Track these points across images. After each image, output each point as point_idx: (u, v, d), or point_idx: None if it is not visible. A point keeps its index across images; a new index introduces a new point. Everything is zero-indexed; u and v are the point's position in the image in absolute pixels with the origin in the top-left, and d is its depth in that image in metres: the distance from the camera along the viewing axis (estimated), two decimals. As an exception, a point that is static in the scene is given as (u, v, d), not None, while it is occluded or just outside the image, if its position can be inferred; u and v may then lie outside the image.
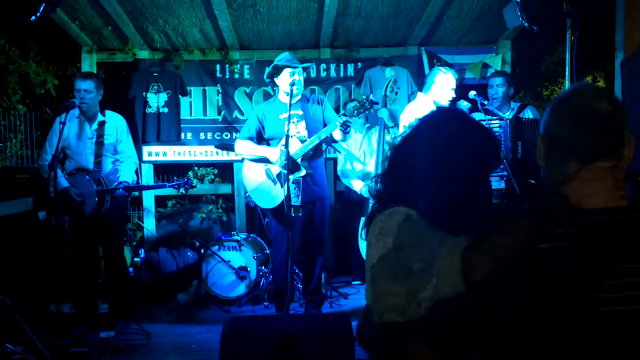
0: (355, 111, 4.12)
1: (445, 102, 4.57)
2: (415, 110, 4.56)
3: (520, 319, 1.30)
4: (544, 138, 1.42)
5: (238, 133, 6.10)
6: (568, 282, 1.28)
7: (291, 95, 4.13)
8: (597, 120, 1.34)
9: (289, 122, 4.05)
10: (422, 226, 1.50)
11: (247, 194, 4.72)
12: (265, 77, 4.48)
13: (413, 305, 1.45)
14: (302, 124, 4.32)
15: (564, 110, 1.39)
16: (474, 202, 1.62)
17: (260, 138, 4.45)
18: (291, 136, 4.07)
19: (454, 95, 4.60)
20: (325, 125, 4.30)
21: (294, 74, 4.25)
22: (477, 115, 4.67)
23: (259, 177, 4.38)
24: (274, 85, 4.45)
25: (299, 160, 4.20)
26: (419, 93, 4.70)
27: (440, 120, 1.68)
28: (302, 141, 4.23)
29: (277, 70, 4.33)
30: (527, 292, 1.29)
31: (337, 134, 4.19)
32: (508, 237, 1.34)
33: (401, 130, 4.66)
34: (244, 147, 4.43)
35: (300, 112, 4.33)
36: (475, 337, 1.34)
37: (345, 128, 4.10)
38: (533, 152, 1.62)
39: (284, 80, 4.31)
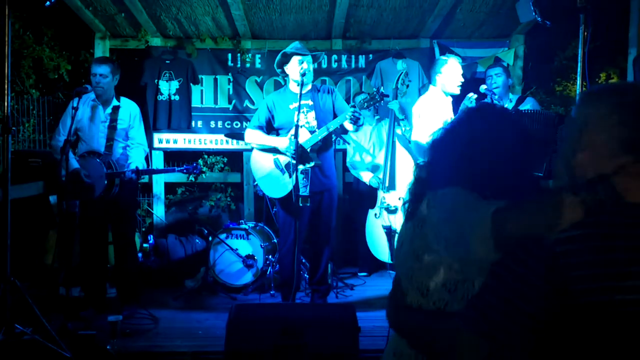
0: (365, 103, 4.12)
1: (455, 89, 4.54)
2: (427, 102, 4.55)
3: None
4: (592, 129, 1.42)
5: (248, 122, 6.13)
6: (587, 272, 1.30)
7: (301, 84, 4.14)
8: None
9: (299, 112, 4.06)
10: (465, 199, 1.54)
11: (255, 183, 4.75)
12: (275, 65, 4.49)
13: (467, 283, 1.53)
14: (312, 114, 4.33)
15: (626, 103, 1.40)
16: (519, 187, 1.65)
17: (269, 127, 4.47)
18: (301, 126, 4.09)
19: (462, 80, 4.57)
20: (335, 116, 4.31)
21: (302, 62, 4.26)
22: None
23: (268, 166, 4.40)
24: (285, 74, 4.46)
25: (308, 150, 4.21)
26: (430, 85, 4.68)
27: (485, 114, 1.75)
28: (312, 131, 4.24)
29: (286, 59, 4.34)
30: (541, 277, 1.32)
31: (349, 125, 4.20)
32: (547, 206, 1.36)
33: (415, 121, 4.65)
34: (254, 136, 4.45)
35: (310, 102, 4.34)
36: (515, 319, 1.35)
37: (355, 120, 4.10)
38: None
39: (293, 69, 4.31)
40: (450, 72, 4.52)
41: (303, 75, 4.18)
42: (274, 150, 4.37)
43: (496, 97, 4.68)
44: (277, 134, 4.45)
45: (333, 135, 4.55)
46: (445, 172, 1.68)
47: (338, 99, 4.45)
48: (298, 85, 4.18)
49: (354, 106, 4.07)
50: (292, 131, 4.12)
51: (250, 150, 5.79)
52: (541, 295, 1.33)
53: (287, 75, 4.44)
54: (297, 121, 4.01)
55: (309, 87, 4.37)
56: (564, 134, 1.52)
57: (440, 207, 1.59)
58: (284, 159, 4.34)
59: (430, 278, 1.60)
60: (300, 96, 4.10)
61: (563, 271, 1.32)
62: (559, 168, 1.50)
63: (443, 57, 4.67)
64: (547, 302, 1.33)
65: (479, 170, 1.64)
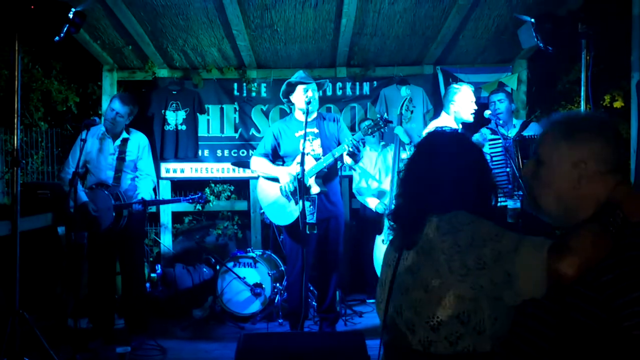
0: (370, 130, 4.15)
1: (468, 116, 4.53)
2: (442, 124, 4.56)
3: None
4: (589, 161, 1.48)
5: (254, 150, 6.17)
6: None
7: (307, 112, 4.17)
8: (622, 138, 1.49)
9: (305, 139, 4.09)
10: (484, 226, 1.58)
11: (262, 211, 4.76)
12: (280, 95, 4.54)
13: (479, 311, 1.53)
14: (318, 141, 4.36)
15: (612, 134, 1.48)
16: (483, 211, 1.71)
17: (275, 155, 4.50)
18: (306, 154, 4.11)
19: (475, 108, 4.57)
20: (339, 144, 4.34)
21: (307, 90, 4.31)
22: (488, 134, 4.68)
23: (274, 193, 4.42)
24: (290, 103, 4.51)
25: (313, 178, 4.23)
26: (442, 112, 4.70)
27: (441, 136, 1.88)
28: (317, 159, 4.27)
29: (291, 88, 4.39)
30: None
31: (347, 158, 4.22)
32: (592, 242, 1.40)
33: None
34: (259, 165, 4.48)
35: (315, 130, 4.37)
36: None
37: (352, 154, 4.11)
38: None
39: (298, 97, 4.36)
40: (463, 100, 4.53)
41: (308, 103, 4.22)
42: (277, 180, 4.38)
43: (500, 122, 4.70)
44: (283, 162, 4.48)
45: (339, 162, 4.57)
46: (444, 196, 1.70)
47: (342, 128, 4.49)
48: (304, 113, 4.21)
49: (353, 140, 4.07)
50: (298, 159, 4.13)
51: (257, 178, 5.82)
52: (596, 321, 1.36)
53: (292, 104, 4.49)
54: (304, 149, 4.04)
55: (315, 115, 4.40)
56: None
57: (454, 233, 1.59)
58: (288, 187, 4.35)
59: (443, 309, 1.56)
60: (306, 124, 4.13)
61: (611, 298, 1.35)
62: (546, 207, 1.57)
63: (456, 86, 4.66)
64: (601, 326, 1.36)
65: (472, 191, 1.69)
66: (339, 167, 4.67)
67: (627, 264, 1.35)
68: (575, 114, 1.58)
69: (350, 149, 4.06)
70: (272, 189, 4.43)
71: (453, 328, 1.55)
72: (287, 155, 4.43)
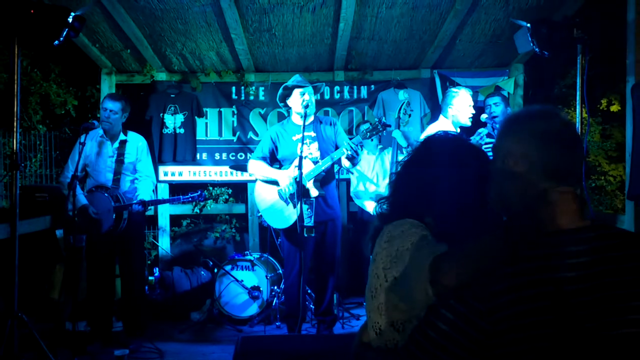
0: (368, 133, 4.17)
1: (466, 120, 4.57)
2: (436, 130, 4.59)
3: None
4: (517, 161, 1.42)
5: (252, 154, 6.19)
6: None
7: (304, 116, 4.19)
8: (570, 141, 1.40)
9: (302, 143, 4.11)
10: (410, 235, 1.55)
11: (260, 214, 4.78)
12: (277, 99, 4.56)
13: (414, 320, 1.49)
14: (315, 145, 4.39)
15: (547, 134, 1.40)
16: (480, 217, 1.65)
17: (273, 159, 4.52)
18: (304, 157, 4.14)
19: (473, 112, 4.61)
20: (337, 148, 4.36)
21: (304, 94, 4.33)
22: (485, 136, 4.70)
23: (272, 197, 4.43)
24: (288, 107, 4.53)
25: (311, 181, 4.25)
26: (440, 116, 4.73)
27: (442, 141, 1.78)
28: (315, 162, 4.29)
29: (288, 92, 4.42)
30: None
31: (345, 161, 4.24)
32: (477, 250, 1.36)
33: None
34: (256, 168, 4.49)
35: (313, 134, 4.40)
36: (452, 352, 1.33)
37: (351, 157, 4.13)
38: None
39: (295, 101, 4.38)
40: (461, 104, 4.57)
41: (306, 107, 4.24)
42: (276, 183, 4.41)
43: (497, 125, 4.73)
44: (280, 166, 4.50)
45: (336, 166, 4.59)
46: (400, 205, 1.70)
47: (339, 132, 4.52)
48: (301, 117, 4.24)
49: (351, 139, 4.10)
50: (296, 162, 4.16)
51: (255, 181, 5.83)
52: (479, 331, 1.31)
53: (290, 108, 4.51)
54: (301, 152, 4.07)
55: (312, 118, 4.42)
56: (491, 166, 1.52)
57: (388, 243, 1.58)
58: (287, 190, 4.37)
59: (381, 317, 1.58)
60: (304, 127, 4.16)
61: (494, 313, 1.30)
62: (492, 200, 1.50)
63: (454, 90, 4.70)
64: (484, 338, 1.31)
65: (434, 198, 1.64)
66: (336, 170, 4.70)
67: (518, 275, 1.32)
68: (524, 110, 1.53)
69: (349, 153, 4.09)
70: (270, 193, 4.45)
71: (390, 335, 1.56)
72: (284, 159, 4.45)
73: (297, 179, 4.03)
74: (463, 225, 1.62)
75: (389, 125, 4.37)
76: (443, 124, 4.60)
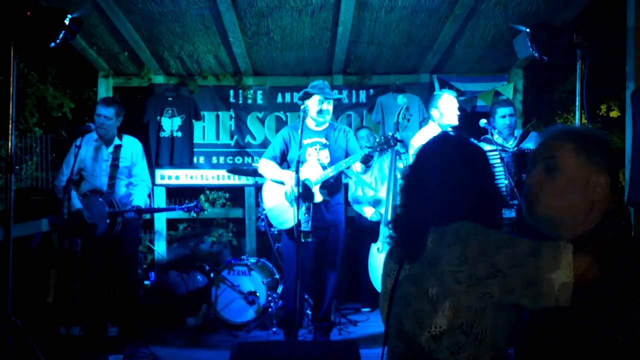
0: (379, 147, 4.13)
1: (452, 120, 4.60)
2: (424, 136, 4.58)
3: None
4: (603, 174, 1.55)
5: (250, 157, 6.17)
6: None
7: (303, 120, 4.18)
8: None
9: (301, 146, 4.13)
10: (493, 235, 1.57)
11: (264, 212, 4.76)
12: (297, 98, 4.53)
13: (482, 321, 1.54)
14: (325, 152, 4.39)
15: (610, 149, 1.58)
16: (498, 208, 1.77)
17: (283, 159, 4.50)
18: (303, 161, 4.15)
19: (457, 113, 4.64)
20: (346, 155, 4.38)
21: (322, 103, 4.33)
22: (486, 146, 4.68)
23: (278, 197, 4.42)
24: (305, 107, 4.44)
25: (318, 187, 4.25)
26: (429, 120, 4.73)
27: (458, 142, 1.81)
28: (324, 167, 4.29)
29: (308, 95, 4.39)
30: None
31: (358, 166, 4.24)
32: (608, 245, 1.50)
33: (411, 153, 4.69)
34: (266, 167, 4.48)
35: (324, 141, 4.40)
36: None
37: (366, 160, 4.14)
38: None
39: (312, 105, 4.36)
40: (444, 106, 4.58)
41: (319, 113, 4.31)
42: (282, 184, 4.39)
43: (496, 130, 4.71)
44: (289, 166, 4.49)
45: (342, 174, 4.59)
46: (445, 206, 1.68)
47: (351, 140, 4.51)
48: (315, 121, 4.28)
49: (370, 149, 4.09)
50: (305, 166, 4.23)
51: (252, 185, 5.80)
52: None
53: (306, 109, 4.44)
54: (299, 156, 4.06)
55: (326, 125, 4.43)
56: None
57: (462, 244, 1.57)
58: (293, 192, 4.35)
59: (446, 319, 1.55)
60: (302, 132, 4.17)
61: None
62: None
63: (437, 93, 4.79)
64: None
65: (477, 200, 1.66)
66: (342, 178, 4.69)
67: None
68: (583, 128, 1.71)
69: (361, 161, 4.12)
70: (277, 193, 4.44)
71: (455, 338, 1.54)
72: (293, 160, 4.44)
73: (295, 184, 4.02)
74: (493, 219, 1.70)
75: (401, 141, 4.37)
76: (431, 128, 4.63)
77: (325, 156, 4.39)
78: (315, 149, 4.35)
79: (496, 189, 1.76)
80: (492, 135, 4.62)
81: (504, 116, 4.76)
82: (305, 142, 4.38)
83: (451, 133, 1.86)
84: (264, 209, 4.73)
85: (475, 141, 1.87)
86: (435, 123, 4.64)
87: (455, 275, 1.54)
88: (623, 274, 1.43)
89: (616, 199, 1.55)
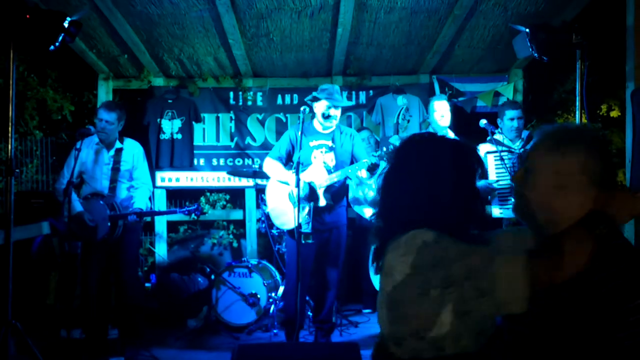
0: (387, 156, 4.13)
1: (444, 122, 4.84)
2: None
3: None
4: (574, 172, 1.51)
5: (250, 159, 6.17)
6: None
7: (302, 121, 4.19)
8: (609, 151, 1.53)
9: (300, 149, 4.14)
10: (448, 245, 1.54)
11: (266, 212, 4.76)
12: (306, 99, 4.54)
13: (437, 326, 1.51)
14: (331, 155, 4.40)
15: (598, 147, 1.52)
16: (475, 209, 1.70)
17: (289, 159, 4.51)
18: (303, 164, 4.15)
19: (443, 115, 4.85)
20: (352, 159, 4.42)
21: (330, 108, 4.34)
22: (487, 146, 4.68)
23: (282, 197, 4.43)
24: (312, 109, 4.45)
25: (322, 189, 4.26)
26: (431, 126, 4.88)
27: (420, 145, 1.75)
28: (329, 171, 4.29)
29: (316, 99, 4.39)
30: None
31: (363, 172, 4.25)
32: (572, 251, 1.44)
33: None
34: (271, 167, 4.49)
35: (330, 144, 4.41)
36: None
37: (373, 169, 4.18)
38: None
39: (320, 110, 4.37)
40: (436, 111, 4.88)
41: (326, 117, 4.34)
42: (287, 184, 4.39)
43: (498, 130, 4.73)
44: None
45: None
46: (400, 216, 1.67)
47: (357, 144, 4.50)
48: (321, 124, 4.33)
49: (377, 158, 4.12)
50: (307, 171, 4.25)
51: (253, 187, 5.80)
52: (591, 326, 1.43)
53: (306, 109, 4.44)
54: (298, 158, 4.06)
55: (332, 128, 4.44)
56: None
57: (413, 254, 1.55)
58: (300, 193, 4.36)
59: (403, 326, 1.57)
60: (301, 134, 4.18)
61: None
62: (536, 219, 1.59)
63: (434, 98, 5.09)
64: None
65: (446, 203, 1.63)
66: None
67: (629, 271, 1.44)
68: (566, 125, 1.60)
69: (367, 169, 4.17)
70: (281, 193, 4.44)
71: (413, 344, 1.55)
72: (299, 162, 4.43)
73: (296, 185, 4.02)
74: (461, 225, 1.64)
75: None
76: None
77: (330, 159, 4.40)
78: (321, 152, 4.36)
79: (470, 190, 1.68)
80: (492, 135, 4.63)
81: (512, 119, 4.77)
82: (311, 144, 4.39)
83: (424, 136, 1.80)
84: (266, 209, 4.73)
85: (466, 140, 1.83)
86: (433, 127, 4.82)
87: (407, 284, 1.54)
88: (596, 278, 1.44)
89: (600, 196, 1.51)
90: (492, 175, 4.64)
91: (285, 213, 4.40)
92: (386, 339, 1.63)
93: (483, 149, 4.65)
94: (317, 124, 4.45)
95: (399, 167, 1.73)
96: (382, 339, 1.67)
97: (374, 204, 1.72)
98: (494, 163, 4.62)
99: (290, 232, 4.39)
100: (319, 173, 4.29)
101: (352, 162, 4.42)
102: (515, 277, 1.42)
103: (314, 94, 4.40)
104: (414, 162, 1.69)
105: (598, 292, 1.43)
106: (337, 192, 4.42)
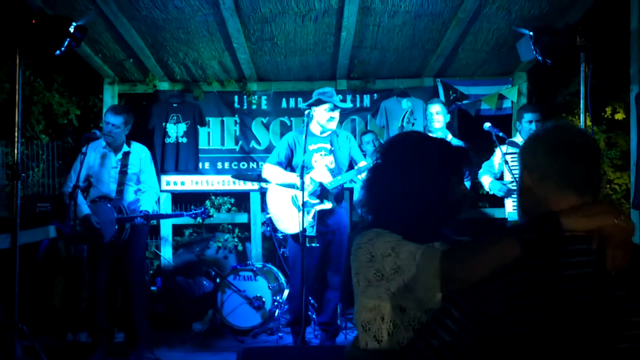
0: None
1: (435, 125, 4.92)
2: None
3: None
4: (534, 172, 1.50)
5: (255, 163, 6.18)
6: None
7: (307, 125, 4.21)
8: (582, 151, 1.46)
9: (305, 151, 4.18)
10: (392, 239, 1.61)
11: (268, 217, 4.77)
12: (303, 104, 4.57)
13: (377, 319, 1.60)
14: (330, 157, 4.44)
15: (558, 144, 1.47)
16: (449, 209, 1.72)
17: (288, 164, 4.52)
18: (307, 167, 4.18)
19: (433, 119, 4.98)
20: (350, 162, 4.50)
21: (332, 111, 4.38)
22: (505, 148, 4.71)
23: (284, 202, 4.45)
24: (310, 114, 4.46)
25: (334, 193, 4.33)
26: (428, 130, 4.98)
27: (397, 143, 1.81)
28: (332, 173, 4.35)
29: (318, 102, 4.41)
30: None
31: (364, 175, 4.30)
32: (487, 250, 1.40)
33: None
34: (272, 172, 4.49)
35: (328, 146, 4.44)
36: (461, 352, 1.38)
37: None
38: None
39: (321, 113, 4.39)
40: (431, 114, 5.01)
41: (328, 121, 4.37)
42: (292, 187, 4.40)
43: (500, 134, 4.73)
44: (293, 171, 4.50)
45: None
46: (369, 212, 1.79)
47: (354, 147, 4.58)
48: (321, 129, 4.34)
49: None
50: (313, 172, 4.30)
51: (257, 190, 5.80)
52: (483, 333, 1.37)
53: (312, 115, 4.47)
54: (303, 161, 4.08)
55: (329, 131, 4.45)
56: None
57: (357, 251, 1.68)
58: (301, 197, 4.37)
59: (355, 317, 1.71)
60: (305, 136, 4.22)
61: (499, 315, 1.35)
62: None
63: (429, 103, 5.19)
64: (486, 339, 1.36)
65: (402, 203, 1.68)
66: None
67: (531, 284, 1.35)
68: (547, 125, 1.59)
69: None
70: (283, 197, 4.46)
71: (360, 335, 1.68)
72: (298, 165, 4.45)
73: (300, 189, 4.04)
74: (426, 224, 1.69)
75: None
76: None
77: (330, 161, 4.42)
78: (321, 155, 4.39)
79: (435, 192, 1.68)
80: (494, 136, 4.67)
81: (530, 121, 4.79)
82: (310, 147, 4.40)
83: (403, 135, 1.90)
84: (268, 214, 4.75)
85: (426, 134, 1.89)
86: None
87: (357, 278, 1.68)
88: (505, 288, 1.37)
89: (564, 199, 1.45)
90: (508, 176, 4.68)
91: (287, 217, 4.41)
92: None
93: (501, 151, 4.73)
94: (315, 127, 4.47)
95: (378, 165, 1.80)
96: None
97: (359, 203, 1.78)
98: (511, 165, 4.65)
99: (294, 237, 4.40)
100: (324, 175, 4.31)
101: (350, 164, 4.49)
102: (429, 272, 1.43)
103: (316, 97, 4.41)
104: (390, 160, 1.76)
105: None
106: (339, 194, 4.46)
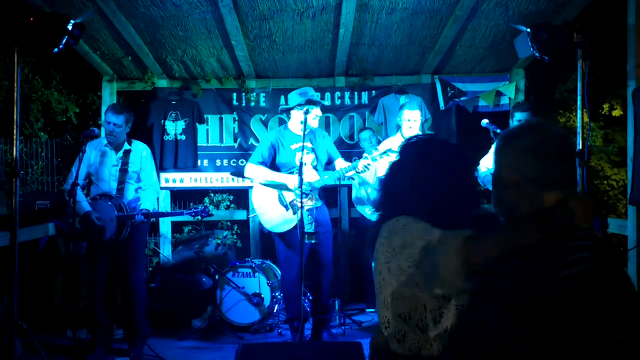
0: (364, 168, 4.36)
1: (407, 132, 4.91)
2: (387, 145, 4.76)
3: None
4: (519, 178, 1.57)
5: (250, 158, 6.19)
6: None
7: (305, 123, 4.22)
8: (559, 153, 1.56)
9: (302, 152, 4.21)
10: (415, 227, 1.66)
11: (253, 215, 4.82)
12: (288, 104, 4.58)
13: (419, 308, 1.61)
14: (312, 155, 4.49)
15: (527, 145, 1.57)
16: (462, 206, 1.81)
17: (271, 164, 4.53)
18: (304, 164, 4.19)
19: (410, 126, 4.93)
20: (328, 157, 4.59)
21: (314, 108, 4.39)
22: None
23: (271, 201, 4.46)
24: (288, 113, 4.55)
25: (318, 190, 4.33)
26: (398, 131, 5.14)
27: (420, 145, 1.90)
28: (316, 170, 4.36)
29: (312, 102, 4.42)
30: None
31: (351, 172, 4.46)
32: (510, 234, 1.51)
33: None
34: (258, 172, 4.49)
35: (309, 145, 4.47)
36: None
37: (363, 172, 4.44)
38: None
39: (297, 114, 4.42)
40: (406, 120, 4.95)
41: (313, 118, 4.39)
42: (279, 186, 4.41)
43: (498, 130, 4.74)
44: (279, 171, 4.51)
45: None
46: (395, 204, 1.81)
47: (330, 143, 4.71)
48: (302, 124, 4.28)
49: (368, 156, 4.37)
50: (305, 169, 4.27)
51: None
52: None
53: (289, 111, 4.52)
54: (301, 160, 4.09)
55: (309, 130, 4.46)
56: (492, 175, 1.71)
57: (390, 237, 1.69)
58: (289, 195, 4.39)
59: (387, 309, 1.68)
60: (304, 137, 4.26)
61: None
62: (494, 205, 1.68)
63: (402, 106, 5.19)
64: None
65: (426, 196, 1.75)
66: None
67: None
68: (521, 125, 1.69)
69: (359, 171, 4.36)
70: (270, 196, 4.47)
71: (398, 327, 1.65)
72: (282, 166, 4.48)
73: (298, 186, 4.06)
74: (451, 217, 1.75)
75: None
76: (397, 138, 5.01)
77: (311, 159, 4.46)
78: (305, 154, 4.38)
79: (457, 187, 1.79)
80: (493, 134, 4.67)
81: (520, 121, 4.79)
82: (292, 146, 4.43)
83: (422, 137, 1.96)
84: (253, 213, 4.77)
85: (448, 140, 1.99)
86: (400, 134, 5.05)
87: (388, 267, 1.67)
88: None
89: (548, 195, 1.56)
90: None
91: (276, 217, 4.43)
92: (380, 326, 1.74)
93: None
94: (295, 126, 4.49)
95: (399, 163, 1.87)
96: (381, 336, 1.74)
97: (374, 203, 1.83)
98: None
99: (283, 235, 4.42)
100: (310, 173, 4.36)
101: (328, 161, 4.58)
102: (453, 253, 1.49)
103: (300, 99, 4.42)
104: (413, 160, 1.83)
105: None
106: (321, 191, 4.56)
